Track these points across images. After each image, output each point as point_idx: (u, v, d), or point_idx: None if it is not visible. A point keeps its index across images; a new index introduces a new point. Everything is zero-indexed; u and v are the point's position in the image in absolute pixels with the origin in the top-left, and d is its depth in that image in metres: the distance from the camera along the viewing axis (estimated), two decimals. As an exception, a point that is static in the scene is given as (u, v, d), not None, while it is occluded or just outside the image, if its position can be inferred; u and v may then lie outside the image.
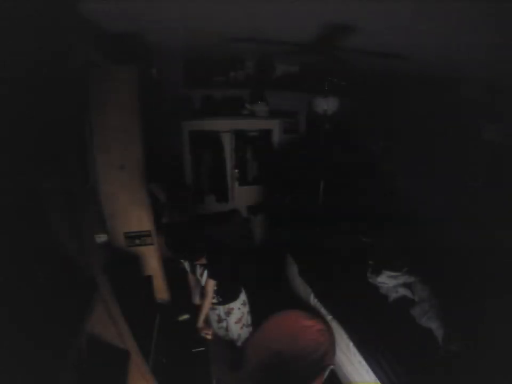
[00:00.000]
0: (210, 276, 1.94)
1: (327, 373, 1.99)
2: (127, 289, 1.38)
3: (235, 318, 2.18)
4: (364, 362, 1.87)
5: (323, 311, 2.34)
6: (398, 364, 1.75)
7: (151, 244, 1.97)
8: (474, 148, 2.51)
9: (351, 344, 1.99)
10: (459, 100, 2.57)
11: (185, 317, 2.05)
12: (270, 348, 2.27)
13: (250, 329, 2.33)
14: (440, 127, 2.83)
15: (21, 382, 0.57)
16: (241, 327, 2.26)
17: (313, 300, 2.49)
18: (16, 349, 0.59)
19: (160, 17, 1.55)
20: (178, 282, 2.30)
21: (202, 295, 2.09)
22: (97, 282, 0.84)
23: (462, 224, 2.65)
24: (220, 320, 2.23)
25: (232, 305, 2.14)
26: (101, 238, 1.79)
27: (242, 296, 2.20)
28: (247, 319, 2.28)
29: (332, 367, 2.06)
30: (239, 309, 2.18)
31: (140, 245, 1.95)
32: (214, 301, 2.10)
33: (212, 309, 2.19)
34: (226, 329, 2.26)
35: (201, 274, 1.98)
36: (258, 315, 2.45)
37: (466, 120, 2.55)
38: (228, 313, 2.16)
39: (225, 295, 2.10)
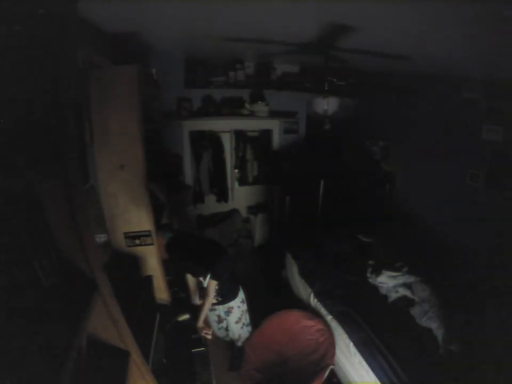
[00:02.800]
0: (213, 277, 1.93)
1: (327, 373, 1.99)
2: (127, 289, 1.38)
3: (235, 317, 2.18)
4: (364, 362, 1.87)
5: (323, 311, 2.34)
6: (398, 363, 1.75)
7: (151, 244, 1.97)
8: (474, 148, 2.51)
9: (351, 344, 1.99)
10: (460, 100, 2.57)
11: (185, 317, 2.05)
12: (270, 347, 2.27)
13: (249, 328, 2.33)
14: (440, 127, 2.83)
15: (21, 381, 0.57)
16: (242, 327, 2.26)
17: (313, 300, 2.49)
18: (16, 349, 0.59)
19: (160, 17, 1.55)
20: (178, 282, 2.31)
21: (203, 295, 2.09)
22: (97, 282, 0.84)
23: (462, 224, 2.65)
24: (220, 320, 2.23)
25: (232, 304, 2.14)
26: (101, 238, 1.79)
27: (241, 294, 2.21)
28: (246, 317, 2.29)
29: (331, 367, 2.06)
30: (238, 307, 2.18)
31: (140, 245, 1.95)
32: (214, 301, 2.10)
33: (211, 309, 2.19)
34: (227, 329, 2.26)
35: (204, 276, 1.97)
36: (258, 315, 2.45)
37: (467, 120, 2.55)
38: (228, 312, 2.16)
39: (226, 295, 2.10)
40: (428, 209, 3.04)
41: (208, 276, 1.94)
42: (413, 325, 2.06)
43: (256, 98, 3.59)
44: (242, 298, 2.22)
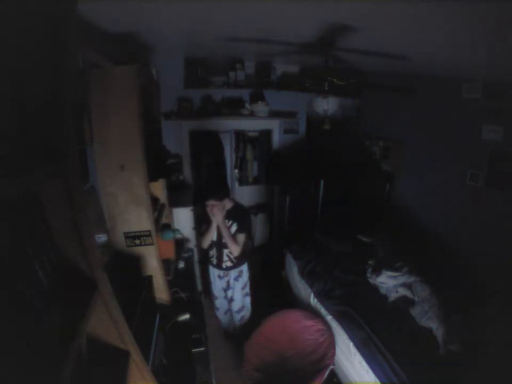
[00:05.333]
0: (241, 230, 2.24)
1: (327, 373, 1.99)
2: (127, 289, 1.38)
3: (242, 283, 2.40)
4: (364, 362, 1.87)
5: (323, 311, 2.34)
6: (398, 363, 1.75)
7: (151, 244, 1.97)
8: (474, 148, 2.51)
9: (351, 344, 1.99)
10: (460, 100, 2.57)
11: (185, 317, 2.05)
12: (270, 347, 2.27)
13: (249, 298, 2.51)
14: (440, 127, 2.83)
15: (20, 382, 0.57)
16: (245, 295, 2.44)
17: (313, 300, 2.49)
18: (15, 349, 0.59)
19: (160, 17, 1.55)
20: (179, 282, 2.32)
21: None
22: (97, 282, 0.84)
23: (461, 224, 2.65)
24: (228, 287, 2.40)
25: (242, 267, 2.36)
26: (101, 238, 1.79)
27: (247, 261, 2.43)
28: (248, 286, 2.48)
29: (331, 367, 2.06)
30: (247, 271, 2.40)
31: (140, 245, 1.95)
32: (229, 264, 2.32)
33: (221, 277, 2.38)
34: (231, 300, 2.43)
35: (229, 227, 2.24)
36: (258, 315, 2.45)
37: (467, 120, 2.55)
38: (238, 276, 2.37)
39: (239, 256, 2.32)
40: (428, 209, 3.04)
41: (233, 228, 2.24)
42: (413, 325, 2.07)
43: (256, 98, 3.59)
44: (248, 264, 2.44)
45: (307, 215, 3.52)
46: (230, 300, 2.44)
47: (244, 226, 2.28)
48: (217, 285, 2.43)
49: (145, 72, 2.14)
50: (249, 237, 2.35)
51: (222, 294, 2.44)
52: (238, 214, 2.28)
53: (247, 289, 2.47)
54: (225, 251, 2.30)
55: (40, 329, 0.66)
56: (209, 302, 2.85)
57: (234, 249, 2.23)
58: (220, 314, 2.59)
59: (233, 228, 2.26)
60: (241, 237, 2.25)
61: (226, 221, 2.24)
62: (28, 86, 0.66)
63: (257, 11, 1.41)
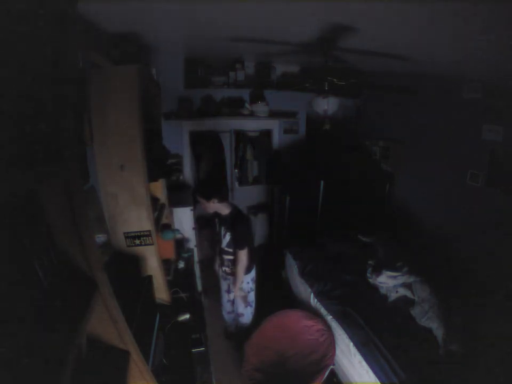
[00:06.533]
0: (237, 246, 2.10)
1: (327, 373, 2.00)
2: (127, 289, 1.38)
3: (242, 292, 2.35)
4: (364, 362, 1.87)
5: (323, 311, 2.34)
6: (398, 363, 1.75)
7: (151, 244, 1.97)
8: (474, 148, 2.51)
9: (351, 344, 1.99)
10: (460, 100, 2.57)
11: (185, 317, 2.05)
12: (270, 348, 2.27)
13: (252, 310, 2.48)
14: (440, 127, 2.83)
15: (20, 381, 0.57)
16: (246, 306, 2.41)
17: (313, 300, 2.49)
18: (15, 349, 0.59)
19: (160, 17, 1.55)
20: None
21: (224, 263, 2.31)
22: (97, 282, 0.84)
23: (461, 224, 2.65)
24: (229, 290, 2.40)
25: (243, 278, 2.29)
26: (101, 238, 1.79)
27: (253, 273, 2.36)
28: (252, 297, 2.44)
29: (331, 367, 2.06)
30: (248, 283, 2.34)
31: (140, 245, 1.95)
32: (228, 270, 2.29)
33: (224, 278, 2.39)
34: (233, 302, 2.44)
35: (224, 235, 2.19)
36: (258, 315, 2.45)
37: (467, 120, 2.55)
38: None
39: None
40: (428, 209, 3.04)
41: (227, 237, 2.16)
42: (413, 325, 2.07)
43: (256, 98, 3.59)
44: (253, 277, 2.38)
45: (307, 215, 3.52)
46: (232, 302, 2.46)
47: (239, 240, 2.10)
48: (222, 285, 2.47)
49: (145, 72, 2.13)
50: (250, 247, 2.21)
51: (226, 295, 2.48)
52: (234, 223, 2.12)
53: (250, 299, 2.43)
54: (225, 257, 2.30)
55: (40, 329, 0.66)
56: (209, 302, 2.86)
57: (240, 271, 2.16)
58: (224, 312, 2.61)
59: (227, 238, 2.17)
60: (242, 254, 2.11)
61: (223, 227, 2.20)
62: (28, 86, 0.66)
63: (257, 11, 1.41)
